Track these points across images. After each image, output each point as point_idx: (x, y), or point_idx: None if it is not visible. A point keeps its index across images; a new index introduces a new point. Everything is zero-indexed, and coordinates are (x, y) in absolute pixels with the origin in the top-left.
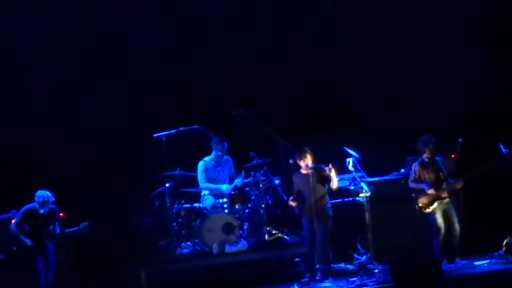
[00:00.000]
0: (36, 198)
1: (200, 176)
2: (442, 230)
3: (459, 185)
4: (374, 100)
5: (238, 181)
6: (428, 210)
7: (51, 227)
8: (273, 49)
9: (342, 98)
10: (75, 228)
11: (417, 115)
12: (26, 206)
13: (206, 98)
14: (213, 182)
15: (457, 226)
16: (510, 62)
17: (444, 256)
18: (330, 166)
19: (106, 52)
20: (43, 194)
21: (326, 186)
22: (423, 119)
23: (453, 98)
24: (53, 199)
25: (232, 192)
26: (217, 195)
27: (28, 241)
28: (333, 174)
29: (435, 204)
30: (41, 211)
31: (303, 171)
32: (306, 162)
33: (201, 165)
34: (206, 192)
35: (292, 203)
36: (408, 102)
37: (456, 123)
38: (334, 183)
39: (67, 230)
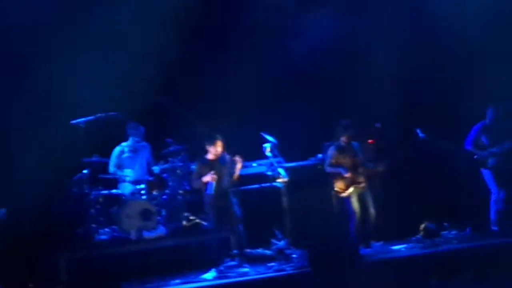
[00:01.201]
0: None
1: (112, 160)
2: (358, 215)
3: (381, 168)
4: (291, 85)
5: (155, 168)
6: (344, 194)
7: None
8: (189, 38)
9: (258, 83)
10: None
11: (335, 99)
12: None
13: (126, 84)
14: (128, 168)
15: (372, 210)
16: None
17: (361, 240)
18: (238, 157)
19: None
20: None
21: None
22: (341, 104)
23: (369, 83)
24: None
25: (149, 178)
26: (135, 181)
27: None
28: (238, 166)
29: (351, 188)
30: None
31: (211, 156)
32: (216, 149)
33: (116, 150)
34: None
35: (213, 178)
36: (326, 87)
37: (373, 108)
38: (235, 176)
39: None
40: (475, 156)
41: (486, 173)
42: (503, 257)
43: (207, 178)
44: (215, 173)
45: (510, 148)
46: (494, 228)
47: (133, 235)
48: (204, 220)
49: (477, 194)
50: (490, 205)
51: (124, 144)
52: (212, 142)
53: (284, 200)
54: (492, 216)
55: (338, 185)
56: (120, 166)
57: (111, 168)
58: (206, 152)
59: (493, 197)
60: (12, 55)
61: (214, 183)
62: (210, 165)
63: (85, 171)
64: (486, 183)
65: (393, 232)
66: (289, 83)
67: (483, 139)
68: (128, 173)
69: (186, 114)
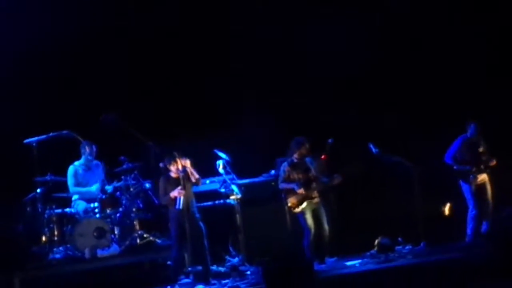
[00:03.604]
0: None
1: (70, 180)
2: (312, 230)
3: (337, 181)
4: (243, 101)
5: (108, 188)
6: (297, 210)
7: None
8: (136, 52)
9: (209, 99)
10: None
11: (287, 115)
12: None
13: (75, 103)
14: (84, 186)
15: (326, 226)
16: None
17: (315, 256)
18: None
19: None
20: None
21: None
22: (293, 120)
23: (320, 97)
24: None
25: (103, 196)
26: (88, 199)
27: None
28: (189, 167)
29: (304, 204)
30: None
31: (173, 174)
32: (176, 166)
33: (70, 169)
34: (77, 196)
35: (180, 193)
36: (277, 103)
37: (325, 123)
38: (195, 175)
39: None
40: (455, 168)
41: (465, 187)
42: (458, 272)
43: (175, 193)
44: (182, 189)
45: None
46: (469, 241)
47: (86, 253)
48: (158, 237)
49: (432, 208)
50: (467, 220)
51: (76, 163)
52: (171, 160)
53: (238, 217)
54: (469, 230)
55: (291, 201)
56: (79, 185)
57: (72, 188)
58: (162, 169)
59: (470, 212)
60: None
61: (182, 198)
62: (174, 182)
63: (38, 190)
64: (464, 196)
65: (347, 247)
66: (242, 98)
67: (463, 153)
68: (93, 188)
69: (136, 132)
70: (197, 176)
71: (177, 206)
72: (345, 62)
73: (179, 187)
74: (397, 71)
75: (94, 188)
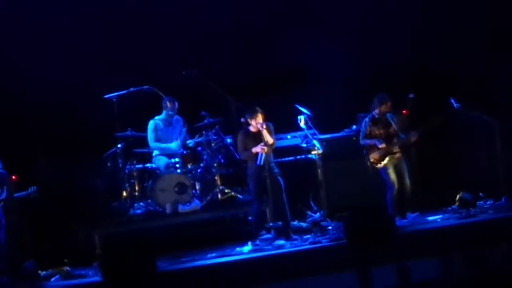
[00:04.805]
0: None
1: (150, 135)
2: (395, 185)
3: (413, 138)
4: (324, 57)
5: (190, 142)
6: (379, 165)
7: None
8: (220, 10)
9: (291, 54)
10: (24, 193)
11: (368, 70)
12: None
13: (156, 58)
14: (164, 142)
15: (407, 181)
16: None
17: (397, 212)
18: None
19: (57, 13)
20: None
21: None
22: (374, 75)
23: (402, 53)
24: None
25: (184, 152)
26: (169, 155)
27: None
28: (265, 132)
29: (387, 159)
30: None
31: (253, 129)
32: (258, 121)
33: (151, 124)
34: (157, 152)
35: (263, 149)
36: (357, 58)
37: (406, 78)
38: (269, 139)
39: (15, 195)
40: None
41: None
42: None
43: (257, 149)
44: (264, 145)
45: None
46: None
47: (168, 208)
48: (239, 192)
49: None
50: None
51: (157, 118)
52: (253, 115)
53: (319, 172)
54: None
55: (373, 156)
56: (159, 140)
57: (152, 143)
58: (243, 124)
59: None
60: None
61: (264, 154)
62: (253, 136)
63: (119, 145)
64: None
65: (428, 202)
66: (324, 53)
67: None
68: (173, 145)
69: (218, 88)
70: (271, 140)
71: (258, 162)
72: (433, 18)
73: (262, 143)
74: (477, 25)
75: (174, 145)
